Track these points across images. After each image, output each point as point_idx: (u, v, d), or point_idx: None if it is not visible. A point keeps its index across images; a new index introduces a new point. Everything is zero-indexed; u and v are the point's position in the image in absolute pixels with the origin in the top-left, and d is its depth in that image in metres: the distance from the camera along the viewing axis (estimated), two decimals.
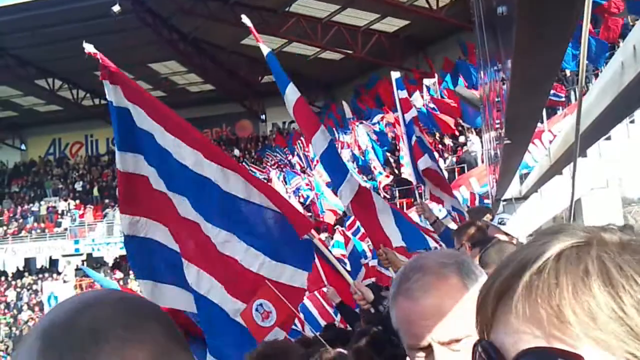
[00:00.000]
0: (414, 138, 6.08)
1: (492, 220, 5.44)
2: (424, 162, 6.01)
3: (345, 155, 21.36)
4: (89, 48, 4.11)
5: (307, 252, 3.65)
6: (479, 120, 16.74)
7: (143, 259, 3.65)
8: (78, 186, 35.88)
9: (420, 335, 1.24)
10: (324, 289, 5.23)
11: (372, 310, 3.08)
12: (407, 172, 15.35)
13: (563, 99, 14.99)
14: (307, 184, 21.17)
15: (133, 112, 3.65)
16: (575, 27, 1.98)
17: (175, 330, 0.80)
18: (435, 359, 1.22)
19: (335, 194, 5.60)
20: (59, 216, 33.59)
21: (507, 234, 4.22)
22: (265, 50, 4.72)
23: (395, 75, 6.26)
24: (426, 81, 22.08)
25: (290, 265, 3.51)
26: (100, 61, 4.03)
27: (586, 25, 1.81)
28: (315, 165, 20.66)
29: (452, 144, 19.45)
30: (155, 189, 3.59)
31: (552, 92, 13.98)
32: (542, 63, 2.11)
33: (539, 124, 11.38)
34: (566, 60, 15.27)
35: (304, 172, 23.40)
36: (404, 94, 6.46)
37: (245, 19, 4.75)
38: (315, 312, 6.43)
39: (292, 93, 4.51)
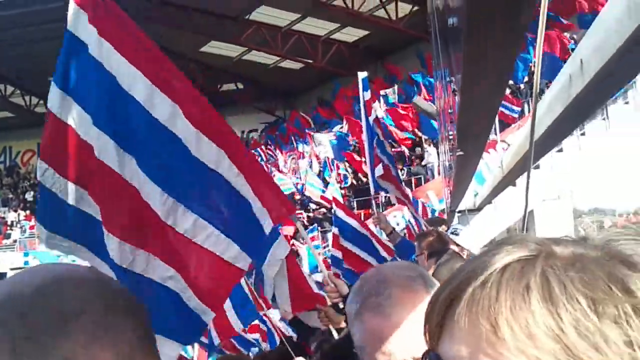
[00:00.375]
0: (374, 142, 5.98)
1: (446, 230, 5.48)
2: (380, 169, 5.93)
3: (303, 165, 21.36)
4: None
5: (262, 240, 3.27)
6: (435, 133, 17.01)
7: (53, 212, 3.00)
8: (29, 196, 34.84)
9: (394, 352, 1.20)
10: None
11: (341, 306, 3.02)
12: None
13: (517, 114, 15.32)
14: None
15: (95, 47, 2.94)
16: (522, 38, 1.99)
17: (148, 329, 0.73)
18: None
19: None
20: (8, 227, 32.55)
21: (458, 245, 4.25)
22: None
23: (362, 75, 6.12)
24: (382, 91, 22.31)
25: (237, 244, 3.11)
26: None
27: (541, 34, 1.81)
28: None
29: (408, 155, 19.63)
30: (84, 140, 2.95)
31: (507, 105, 14.28)
32: (491, 74, 2.11)
33: (492, 135, 11.59)
34: (518, 73, 15.65)
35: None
36: (368, 95, 6.30)
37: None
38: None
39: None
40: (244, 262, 3.11)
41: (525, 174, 7.86)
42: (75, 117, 2.98)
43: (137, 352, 0.69)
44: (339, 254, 5.68)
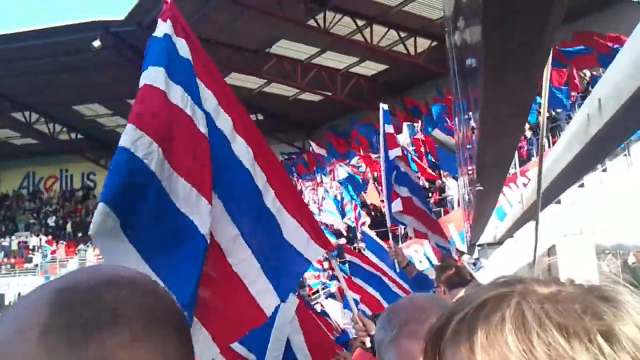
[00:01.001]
0: (392, 177, 5.88)
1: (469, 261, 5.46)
2: (398, 203, 5.85)
3: (320, 193, 21.39)
4: None
5: (292, 278, 3.08)
6: (454, 167, 16.98)
7: (123, 183, 2.67)
8: (51, 221, 35.28)
9: None
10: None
11: (368, 345, 3.04)
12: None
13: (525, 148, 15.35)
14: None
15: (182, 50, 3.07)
16: (540, 78, 2.02)
17: (187, 340, 0.75)
18: None
19: None
20: (30, 252, 32.89)
21: (472, 277, 4.23)
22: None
23: (383, 106, 6.08)
24: (407, 123, 22.35)
25: (269, 277, 2.88)
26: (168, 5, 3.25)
27: (546, 83, 1.84)
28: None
29: (428, 187, 19.58)
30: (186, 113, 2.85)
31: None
32: (508, 114, 2.14)
33: (512, 169, 11.55)
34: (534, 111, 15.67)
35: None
36: (390, 128, 6.20)
37: None
38: None
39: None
40: (269, 300, 2.93)
41: (547, 208, 7.77)
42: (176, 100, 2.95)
43: (178, 354, 0.72)
44: (356, 296, 5.66)
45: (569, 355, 0.59)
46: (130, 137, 2.75)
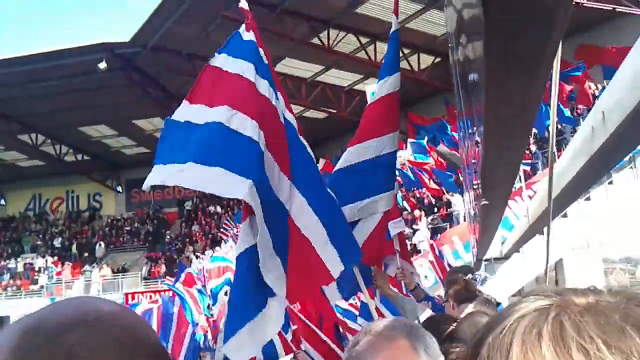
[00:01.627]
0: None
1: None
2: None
3: None
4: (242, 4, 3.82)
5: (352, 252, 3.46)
6: (453, 185, 17.01)
7: (173, 142, 3.28)
8: (57, 242, 35.34)
9: None
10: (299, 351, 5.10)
11: None
12: None
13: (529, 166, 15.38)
14: None
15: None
16: (543, 92, 2.04)
17: None
18: None
19: None
20: (36, 273, 32.91)
21: (480, 292, 4.21)
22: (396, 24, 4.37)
23: (370, 89, 5.72)
24: (410, 142, 22.40)
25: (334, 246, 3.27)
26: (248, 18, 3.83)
27: (555, 92, 1.86)
28: None
29: (435, 203, 19.57)
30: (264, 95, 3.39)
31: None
32: (512, 128, 2.15)
33: (518, 183, 11.54)
34: (539, 124, 15.70)
35: None
36: None
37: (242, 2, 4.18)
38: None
39: (391, 83, 4.40)
40: (336, 264, 3.26)
41: (554, 222, 7.78)
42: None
43: None
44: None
45: None
46: (220, 113, 3.19)
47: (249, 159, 3.08)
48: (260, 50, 3.66)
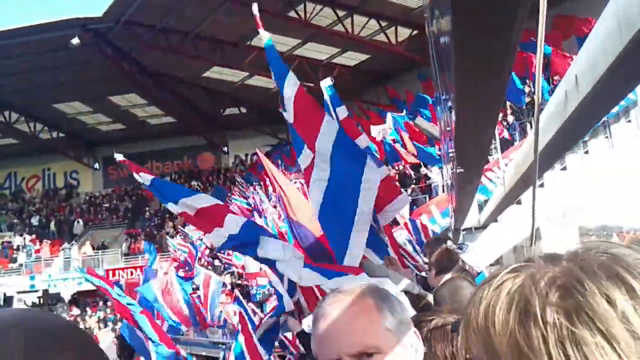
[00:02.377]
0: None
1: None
2: None
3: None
4: (118, 157, 4.95)
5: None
6: (432, 157, 17.09)
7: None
8: (34, 220, 34.97)
9: (329, 349, 1.26)
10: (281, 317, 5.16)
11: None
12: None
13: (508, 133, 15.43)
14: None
15: None
16: (513, 53, 2.03)
17: None
18: None
19: None
20: (14, 251, 32.60)
21: (462, 261, 4.25)
22: (266, 36, 4.82)
23: (325, 83, 5.64)
24: (390, 114, 22.37)
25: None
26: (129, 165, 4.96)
27: (541, 38, 1.84)
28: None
29: (413, 175, 19.63)
30: None
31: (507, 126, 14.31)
32: (483, 89, 2.15)
33: (495, 155, 11.61)
34: (516, 95, 15.75)
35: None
36: (343, 111, 5.48)
37: (254, 8, 4.64)
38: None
39: (290, 85, 4.76)
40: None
41: (529, 190, 7.85)
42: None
43: None
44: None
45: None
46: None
47: None
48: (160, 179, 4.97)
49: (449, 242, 5.47)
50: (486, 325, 0.66)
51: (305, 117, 4.57)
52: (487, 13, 1.53)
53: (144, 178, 4.67)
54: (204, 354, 13.31)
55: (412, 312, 2.42)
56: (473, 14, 1.53)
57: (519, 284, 0.67)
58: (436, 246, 4.67)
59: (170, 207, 4.53)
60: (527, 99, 16.29)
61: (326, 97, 5.38)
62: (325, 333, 1.28)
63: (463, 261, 4.94)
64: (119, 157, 4.86)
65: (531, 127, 15.56)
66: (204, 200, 4.50)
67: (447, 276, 3.86)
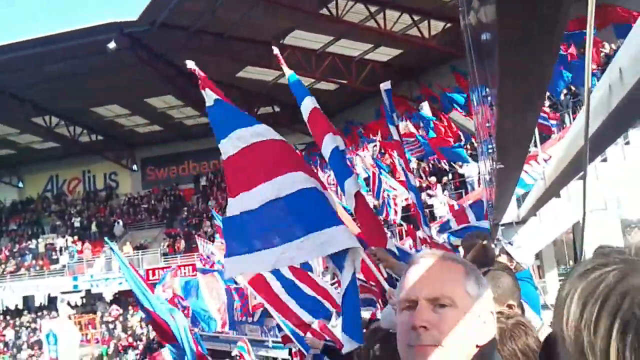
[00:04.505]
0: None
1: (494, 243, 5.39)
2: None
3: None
4: (190, 65, 4.44)
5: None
6: (459, 156, 16.88)
7: (237, 234, 3.71)
8: (76, 222, 35.79)
9: (411, 290, 1.37)
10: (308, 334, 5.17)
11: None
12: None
13: (554, 127, 15.11)
14: None
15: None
16: (558, 50, 2.00)
17: None
18: (416, 312, 1.33)
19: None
20: (57, 253, 33.42)
21: (509, 256, 4.19)
22: (289, 72, 5.12)
23: (384, 86, 5.71)
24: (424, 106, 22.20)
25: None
26: (199, 76, 4.39)
27: (590, 28, 1.82)
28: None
29: (449, 169, 19.48)
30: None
31: (544, 116, 14.07)
32: (526, 87, 2.13)
33: (533, 148, 11.43)
34: (557, 85, 15.46)
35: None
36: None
37: (275, 50, 5.24)
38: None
39: (308, 105, 4.85)
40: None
41: (568, 184, 7.68)
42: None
43: None
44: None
45: None
46: (265, 190, 3.78)
47: (322, 206, 3.61)
48: (225, 102, 4.29)
49: (500, 236, 5.38)
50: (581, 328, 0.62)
51: (314, 133, 4.81)
52: (533, 4, 1.52)
53: (209, 96, 4.31)
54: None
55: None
56: (519, 4, 1.52)
57: (621, 294, 0.61)
58: (471, 243, 4.60)
59: (221, 146, 4.07)
60: (564, 91, 16.00)
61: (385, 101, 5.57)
62: (411, 276, 1.39)
63: (510, 256, 4.86)
64: (190, 64, 4.42)
65: (569, 119, 15.28)
66: (264, 133, 4.01)
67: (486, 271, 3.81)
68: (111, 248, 7.04)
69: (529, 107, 2.44)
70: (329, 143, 4.48)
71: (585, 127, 2.34)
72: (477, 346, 1.34)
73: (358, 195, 4.38)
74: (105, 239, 19.92)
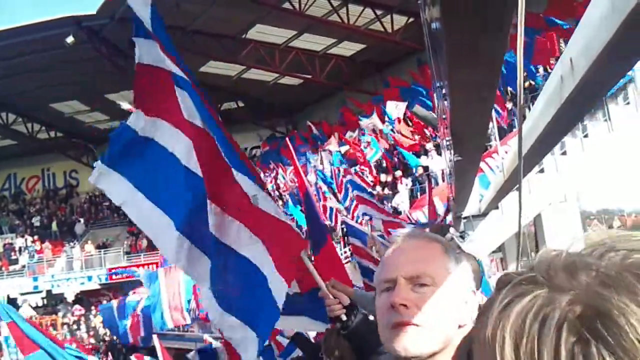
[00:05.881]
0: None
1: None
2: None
3: (312, 178, 21.30)
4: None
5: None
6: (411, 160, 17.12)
7: (128, 154, 3.05)
8: (36, 221, 34.96)
9: (390, 269, 1.35)
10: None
11: (344, 319, 2.83)
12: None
13: (505, 115, 15.35)
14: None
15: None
16: (506, 45, 1.98)
17: None
18: (395, 290, 1.31)
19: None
20: (16, 253, 32.61)
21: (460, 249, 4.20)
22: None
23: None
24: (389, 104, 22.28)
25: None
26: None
27: (520, 47, 1.80)
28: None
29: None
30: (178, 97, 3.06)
31: (498, 110, 14.25)
32: (476, 75, 2.10)
33: (493, 142, 11.57)
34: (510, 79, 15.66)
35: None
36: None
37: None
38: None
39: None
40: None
41: (529, 176, 7.79)
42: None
43: None
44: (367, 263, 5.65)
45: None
46: (163, 132, 3.09)
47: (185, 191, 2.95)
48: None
49: (452, 230, 5.40)
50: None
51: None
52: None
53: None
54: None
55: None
56: None
57: (531, 316, 0.57)
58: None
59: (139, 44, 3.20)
60: (525, 84, 16.22)
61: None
62: (391, 255, 1.39)
63: (461, 250, 4.88)
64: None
65: (529, 111, 15.51)
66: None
67: None
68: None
69: (480, 97, 2.42)
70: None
71: (519, 147, 2.33)
72: (459, 326, 1.32)
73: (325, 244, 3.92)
74: None
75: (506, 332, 0.58)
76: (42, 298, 30.52)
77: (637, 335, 0.53)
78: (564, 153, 13.37)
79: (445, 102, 2.84)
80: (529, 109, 15.36)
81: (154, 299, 12.47)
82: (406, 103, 20.86)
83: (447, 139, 4.26)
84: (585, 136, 13.69)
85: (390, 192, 18.30)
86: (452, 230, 4.97)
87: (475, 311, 1.35)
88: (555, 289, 0.59)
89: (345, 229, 14.79)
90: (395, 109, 21.23)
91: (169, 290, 12.65)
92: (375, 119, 21.63)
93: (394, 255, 1.38)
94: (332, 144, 23.38)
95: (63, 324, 28.48)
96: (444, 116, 3.52)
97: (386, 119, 21.32)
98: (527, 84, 16.07)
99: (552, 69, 15.82)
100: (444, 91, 2.89)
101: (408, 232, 1.54)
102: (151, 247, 29.30)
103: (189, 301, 13.03)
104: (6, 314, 6.13)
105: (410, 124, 20.04)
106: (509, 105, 16.65)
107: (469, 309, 1.35)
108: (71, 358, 6.11)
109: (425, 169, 18.68)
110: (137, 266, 28.29)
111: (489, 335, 0.59)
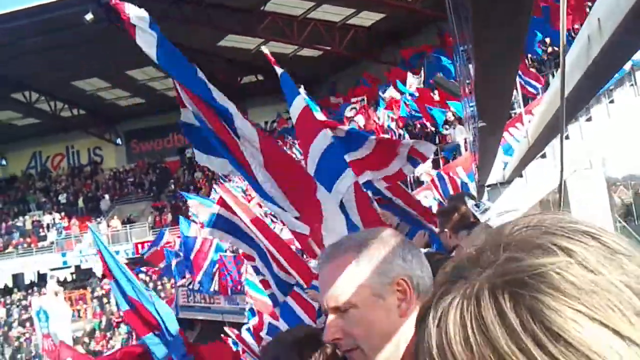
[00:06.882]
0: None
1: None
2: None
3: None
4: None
5: None
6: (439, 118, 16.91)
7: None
8: (62, 198, 35.55)
9: (321, 298, 1.40)
10: (305, 290, 5.11)
11: None
12: None
13: (538, 91, 15.07)
14: None
15: None
16: (531, 7, 1.95)
17: None
18: (325, 325, 1.36)
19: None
20: (45, 230, 33.26)
21: (477, 219, 4.16)
22: (279, 71, 4.79)
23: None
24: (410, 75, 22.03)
25: None
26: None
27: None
28: None
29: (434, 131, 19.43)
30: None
31: (528, 81, 14.00)
32: (502, 36, 2.07)
33: (517, 109, 11.42)
34: (533, 48, 15.35)
35: None
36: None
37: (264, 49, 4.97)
38: (299, 310, 6.29)
39: (298, 105, 4.63)
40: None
41: (552, 144, 7.69)
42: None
43: None
44: None
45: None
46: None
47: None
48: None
49: (470, 201, 5.34)
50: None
51: (300, 133, 4.56)
52: None
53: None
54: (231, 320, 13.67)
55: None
56: None
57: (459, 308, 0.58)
58: (448, 208, 4.59)
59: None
60: (548, 50, 15.92)
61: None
62: (319, 281, 1.43)
63: (477, 220, 4.84)
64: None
65: (553, 77, 15.23)
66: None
67: (464, 234, 3.79)
68: (93, 232, 6.58)
69: (506, 59, 2.39)
70: (322, 141, 4.12)
71: (561, 86, 2.30)
72: (395, 326, 1.32)
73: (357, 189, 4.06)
74: (89, 225, 19.83)
75: (452, 346, 0.57)
76: (72, 273, 31.17)
77: (563, 276, 0.54)
78: (589, 119, 13.17)
79: (470, 66, 2.81)
80: (553, 75, 15.10)
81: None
82: (423, 72, 20.64)
83: (471, 105, 4.22)
84: (611, 102, 13.45)
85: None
86: (469, 202, 4.94)
87: (407, 295, 1.35)
88: (474, 276, 0.60)
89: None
90: (414, 77, 21.00)
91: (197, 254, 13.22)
92: (392, 90, 21.40)
93: (320, 281, 1.43)
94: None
95: (93, 297, 29.10)
96: (467, 81, 3.48)
97: (407, 87, 21.09)
98: (550, 49, 15.78)
99: (576, 33, 15.51)
100: (467, 55, 2.85)
101: (327, 249, 1.49)
102: (175, 221, 29.65)
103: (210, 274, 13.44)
104: (135, 293, 6.13)
105: (436, 93, 19.79)
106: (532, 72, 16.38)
107: (390, 303, 1.34)
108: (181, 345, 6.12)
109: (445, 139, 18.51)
110: None
111: (435, 355, 0.58)
